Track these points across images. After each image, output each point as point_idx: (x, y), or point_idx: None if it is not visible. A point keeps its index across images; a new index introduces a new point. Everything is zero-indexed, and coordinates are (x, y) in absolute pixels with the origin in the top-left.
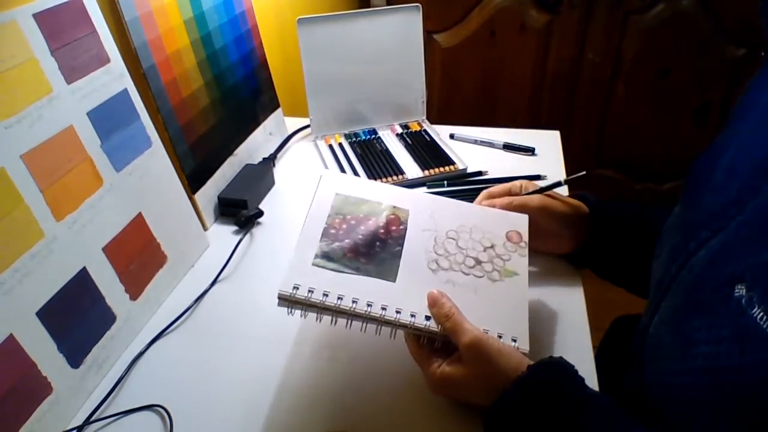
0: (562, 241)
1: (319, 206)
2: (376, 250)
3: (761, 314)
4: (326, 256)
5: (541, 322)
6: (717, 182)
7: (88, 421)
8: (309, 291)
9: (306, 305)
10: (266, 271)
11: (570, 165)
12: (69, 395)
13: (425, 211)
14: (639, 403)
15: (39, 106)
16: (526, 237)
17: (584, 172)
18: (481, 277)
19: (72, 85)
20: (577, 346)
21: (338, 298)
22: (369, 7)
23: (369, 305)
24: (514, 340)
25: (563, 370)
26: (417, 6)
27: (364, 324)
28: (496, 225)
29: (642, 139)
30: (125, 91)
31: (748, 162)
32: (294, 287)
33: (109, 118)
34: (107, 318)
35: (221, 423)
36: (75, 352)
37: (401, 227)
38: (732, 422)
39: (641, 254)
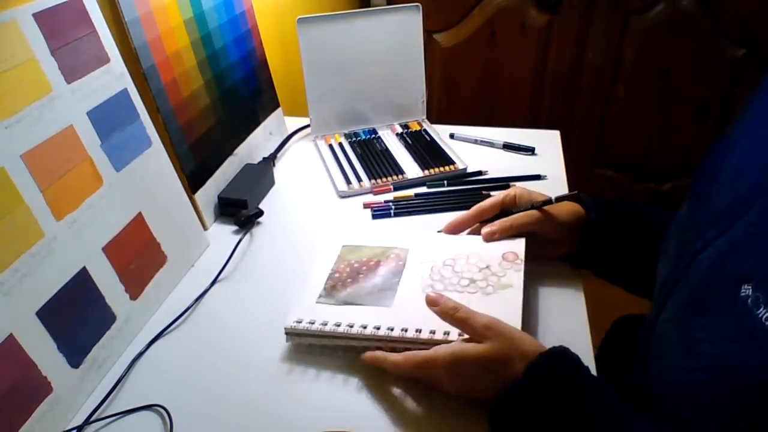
0: (563, 246)
1: (326, 256)
2: (375, 285)
3: (767, 314)
4: (329, 294)
5: (541, 323)
6: (725, 181)
7: (88, 421)
8: (310, 323)
9: (307, 336)
10: (266, 271)
11: (570, 165)
12: (69, 395)
13: (425, 247)
14: (642, 401)
15: (39, 106)
16: (522, 256)
17: (576, 192)
18: (474, 292)
19: (72, 84)
20: (577, 346)
21: (335, 324)
22: (369, 7)
23: (363, 327)
24: None
25: (572, 359)
26: (417, 6)
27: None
28: (494, 249)
29: (642, 139)
30: (125, 91)
31: (757, 162)
32: (297, 321)
33: (109, 117)
34: (107, 318)
35: (221, 423)
36: (75, 352)
37: (400, 263)
38: (734, 420)
39: (639, 254)
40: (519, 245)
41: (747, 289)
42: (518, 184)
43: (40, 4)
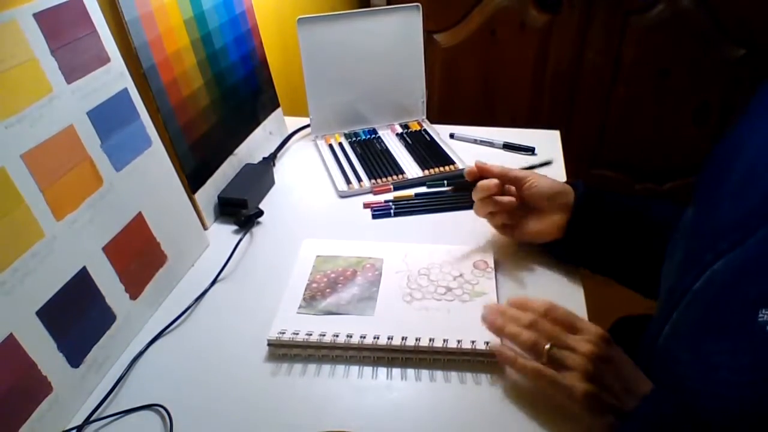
0: (550, 224)
1: (302, 267)
2: (354, 295)
3: None
4: (309, 305)
5: None
6: (733, 187)
7: (88, 421)
8: (294, 333)
9: (292, 347)
10: (266, 271)
11: (570, 165)
12: (69, 395)
13: (398, 257)
14: None
15: (39, 106)
16: (491, 264)
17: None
18: (452, 300)
19: (72, 84)
20: None
21: (320, 334)
22: (369, 7)
23: (349, 336)
24: (487, 343)
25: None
26: (417, 6)
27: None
28: (464, 257)
29: (642, 139)
30: (125, 91)
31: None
32: (280, 332)
33: (109, 117)
34: (107, 318)
35: (221, 423)
36: (75, 352)
37: (376, 272)
38: None
39: (628, 244)
40: (488, 253)
41: (765, 314)
42: None
43: (40, 4)
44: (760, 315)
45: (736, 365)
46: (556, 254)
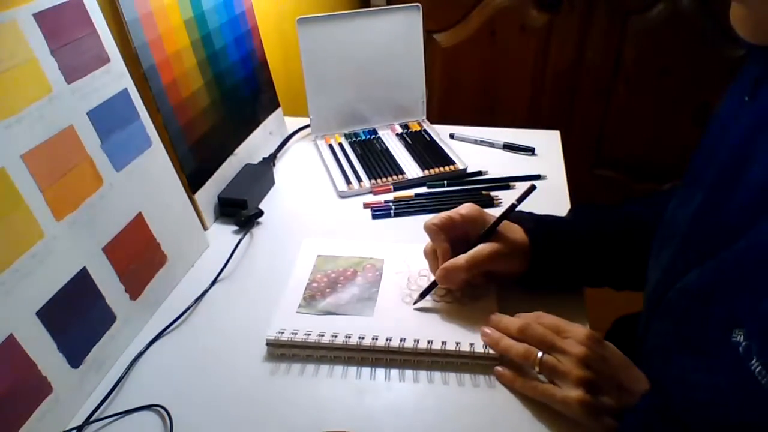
0: (517, 266)
1: (302, 267)
2: (354, 295)
3: (759, 367)
4: (309, 304)
5: None
6: (708, 190)
7: (88, 421)
8: (293, 333)
9: (290, 347)
10: (266, 271)
11: (570, 165)
12: (69, 395)
13: (398, 257)
14: None
15: (39, 106)
16: None
17: (532, 185)
18: (451, 302)
19: (72, 84)
20: None
21: (319, 335)
22: (369, 7)
23: (347, 337)
24: (485, 346)
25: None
26: (417, 6)
27: (345, 366)
28: None
29: (642, 139)
30: (125, 91)
31: (749, 180)
32: (279, 332)
33: (109, 118)
34: (107, 318)
35: (221, 423)
36: (75, 352)
37: (377, 273)
38: None
39: (584, 262)
40: None
41: (738, 335)
42: (517, 184)
43: (40, 4)
44: (734, 335)
45: (713, 385)
46: (525, 285)
